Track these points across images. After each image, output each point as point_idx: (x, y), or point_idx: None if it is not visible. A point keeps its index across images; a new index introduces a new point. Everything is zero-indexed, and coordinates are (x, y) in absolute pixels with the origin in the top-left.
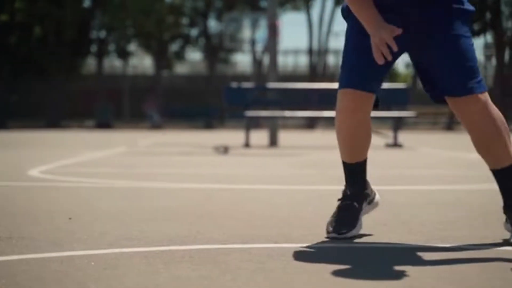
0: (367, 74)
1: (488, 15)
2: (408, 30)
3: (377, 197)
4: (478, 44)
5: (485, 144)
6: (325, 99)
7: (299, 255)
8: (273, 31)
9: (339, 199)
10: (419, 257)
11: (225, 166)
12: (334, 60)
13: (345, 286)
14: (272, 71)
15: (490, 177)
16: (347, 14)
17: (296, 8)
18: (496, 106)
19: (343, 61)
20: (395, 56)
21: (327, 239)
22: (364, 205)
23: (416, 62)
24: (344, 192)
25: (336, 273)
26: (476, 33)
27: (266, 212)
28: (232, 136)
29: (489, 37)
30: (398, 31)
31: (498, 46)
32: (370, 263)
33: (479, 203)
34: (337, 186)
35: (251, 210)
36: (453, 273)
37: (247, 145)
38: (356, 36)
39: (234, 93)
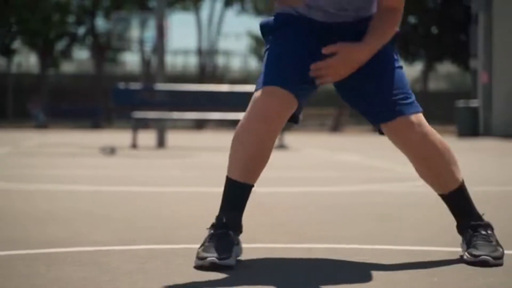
0: (298, 78)
1: None
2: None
3: (241, 244)
4: None
5: (428, 169)
6: (213, 101)
7: (179, 256)
8: (161, 32)
9: (212, 227)
10: (291, 257)
11: (110, 167)
12: (223, 61)
13: (221, 286)
14: (160, 72)
15: (367, 179)
16: (269, 30)
17: (185, 8)
18: None
19: (269, 65)
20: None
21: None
22: (235, 239)
23: (346, 94)
24: (219, 219)
25: (215, 274)
26: None
27: (148, 214)
28: (120, 137)
29: None
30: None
31: None
32: (245, 263)
33: (356, 204)
34: (220, 188)
35: (134, 212)
36: (321, 271)
37: (134, 146)
38: (286, 45)
39: (121, 94)
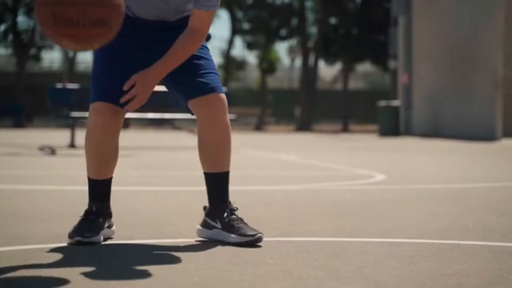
0: (119, 88)
1: (294, 21)
2: (151, 51)
3: (114, 227)
4: (284, 48)
5: (215, 147)
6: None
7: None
8: None
9: (84, 213)
10: (275, 249)
11: (60, 167)
12: None
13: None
14: None
15: (314, 177)
16: None
17: None
18: (302, 106)
19: (93, 78)
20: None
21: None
22: (105, 224)
23: (165, 81)
24: (90, 208)
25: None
26: (284, 38)
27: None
28: (49, 135)
29: (294, 41)
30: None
31: (303, 51)
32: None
33: (310, 201)
34: (168, 187)
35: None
36: (303, 259)
37: (72, 145)
38: (106, 54)
39: (58, 93)
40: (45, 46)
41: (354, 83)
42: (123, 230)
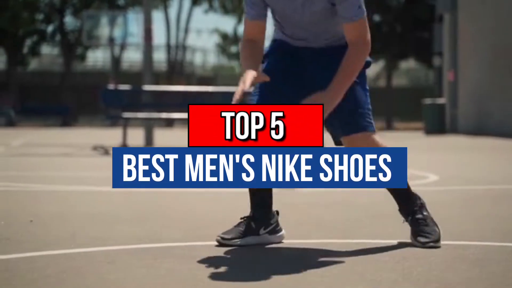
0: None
1: None
2: (313, 81)
3: (282, 232)
4: None
5: None
6: (201, 99)
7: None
8: (148, 35)
9: (241, 217)
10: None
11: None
12: (191, 58)
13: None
14: (147, 74)
15: None
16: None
17: (154, 6)
18: None
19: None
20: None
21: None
22: (262, 231)
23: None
24: (250, 213)
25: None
26: None
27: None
28: (97, 135)
29: None
30: (265, 78)
31: None
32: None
33: (369, 202)
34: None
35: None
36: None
37: (125, 145)
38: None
39: (111, 95)
40: (91, 46)
41: (397, 80)
42: (194, 231)
